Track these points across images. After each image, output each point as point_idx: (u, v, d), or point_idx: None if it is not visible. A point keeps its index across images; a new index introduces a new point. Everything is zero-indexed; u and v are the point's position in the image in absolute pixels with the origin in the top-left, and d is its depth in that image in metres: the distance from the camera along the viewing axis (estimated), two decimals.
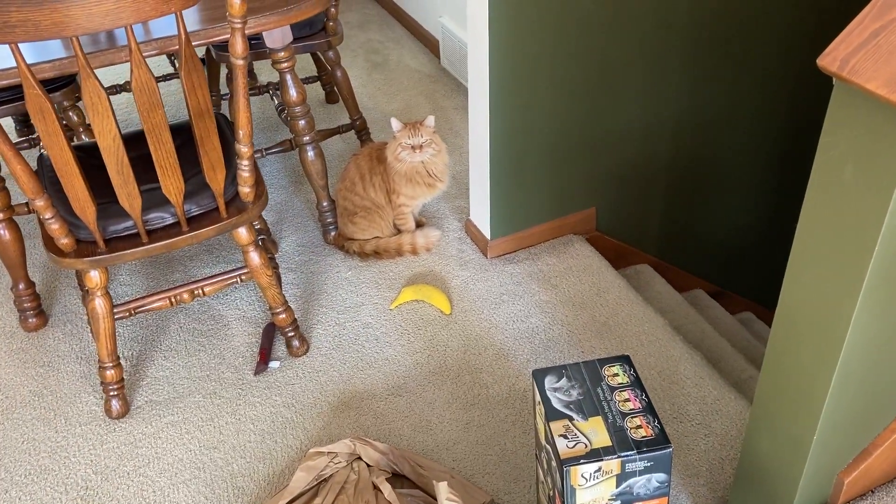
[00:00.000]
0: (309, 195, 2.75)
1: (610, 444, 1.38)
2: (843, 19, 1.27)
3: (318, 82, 3.25)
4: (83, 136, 2.41)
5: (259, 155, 2.58)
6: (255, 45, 2.45)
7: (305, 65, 3.45)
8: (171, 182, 1.74)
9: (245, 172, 1.82)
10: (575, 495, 1.40)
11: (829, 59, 1.08)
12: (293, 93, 2.27)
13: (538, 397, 1.48)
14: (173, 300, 2.00)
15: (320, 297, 2.35)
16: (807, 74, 2.55)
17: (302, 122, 2.33)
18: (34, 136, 2.78)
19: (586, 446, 1.38)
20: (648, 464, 1.38)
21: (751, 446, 1.55)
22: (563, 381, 1.49)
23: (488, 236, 2.42)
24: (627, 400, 1.45)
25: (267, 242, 2.46)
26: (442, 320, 2.25)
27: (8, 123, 3.03)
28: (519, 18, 2.05)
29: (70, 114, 2.39)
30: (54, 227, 1.73)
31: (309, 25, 2.56)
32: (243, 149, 1.78)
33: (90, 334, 2.26)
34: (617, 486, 1.41)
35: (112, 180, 1.69)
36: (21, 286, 2.23)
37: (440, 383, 2.07)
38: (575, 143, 2.34)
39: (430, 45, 3.61)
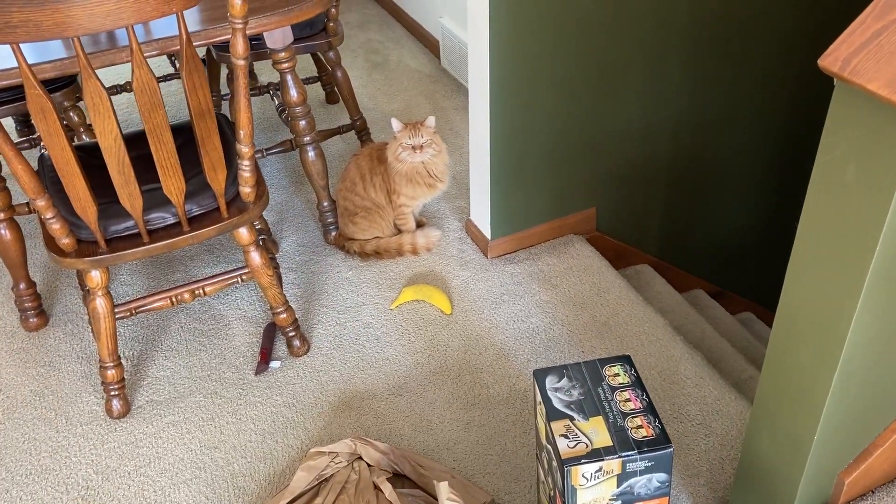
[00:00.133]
0: (309, 195, 2.75)
1: (611, 443, 1.38)
2: (844, 20, 1.27)
3: (319, 83, 3.25)
4: (84, 136, 2.42)
5: (260, 155, 2.58)
6: (256, 46, 2.45)
7: (306, 65, 3.45)
8: (173, 182, 1.74)
9: (246, 172, 1.82)
10: (576, 495, 1.41)
11: (831, 60, 1.08)
12: (294, 93, 2.27)
13: (539, 397, 1.48)
14: (174, 300, 2.00)
15: (321, 297, 2.35)
16: (807, 74, 2.55)
17: (302, 123, 2.33)
18: (35, 136, 2.78)
19: (587, 446, 1.38)
20: (649, 464, 1.38)
21: (751, 446, 1.55)
22: (564, 381, 1.49)
23: (489, 236, 2.42)
24: (628, 400, 1.45)
25: (268, 242, 2.46)
26: (442, 320, 2.25)
27: (8, 123, 3.03)
28: (519, 18, 2.05)
29: (71, 114, 2.39)
30: (55, 226, 1.73)
31: (309, 26, 2.56)
32: (244, 149, 1.78)
33: (91, 334, 2.26)
34: (618, 486, 1.41)
35: (113, 180, 1.69)
36: (22, 286, 2.23)
37: (441, 383, 2.07)
38: (575, 144, 2.34)
39: (430, 45, 3.61)
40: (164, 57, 3.35)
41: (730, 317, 2.74)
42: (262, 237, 2.44)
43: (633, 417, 1.42)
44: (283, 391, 2.07)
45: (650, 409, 1.44)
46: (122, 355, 2.18)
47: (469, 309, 2.28)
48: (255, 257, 1.99)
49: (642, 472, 1.40)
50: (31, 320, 2.27)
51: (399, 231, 2.49)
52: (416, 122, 2.33)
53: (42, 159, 1.98)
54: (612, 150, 2.41)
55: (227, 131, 2.00)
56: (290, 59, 2.21)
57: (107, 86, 2.16)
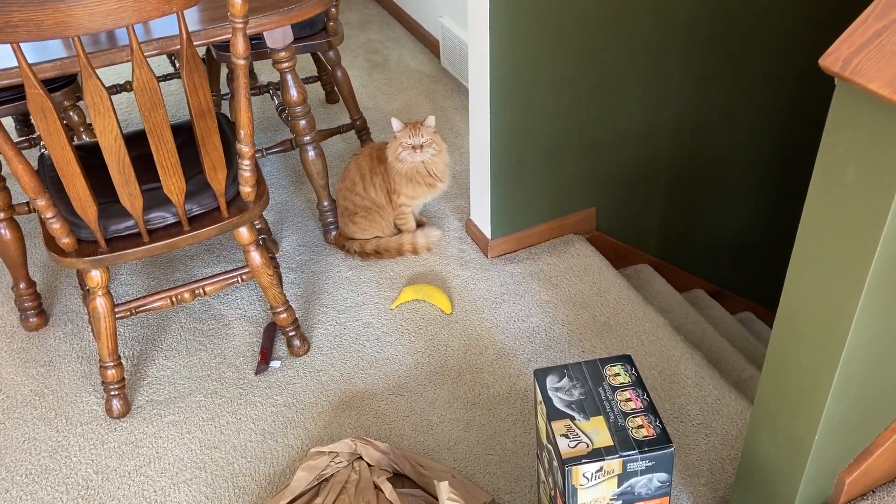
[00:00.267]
0: (309, 195, 2.75)
1: (611, 443, 1.38)
2: (844, 20, 1.27)
3: (319, 82, 3.25)
4: (83, 136, 2.41)
5: (260, 155, 2.58)
6: (256, 45, 2.45)
7: (306, 65, 3.45)
8: (173, 181, 1.74)
9: (246, 172, 1.82)
10: (576, 495, 1.41)
11: (832, 60, 1.08)
12: (294, 93, 2.27)
13: (539, 397, 1.48)
14: (174, 300, 2.00)
15: (321, 297, 2.35)
16: (807, 74, 2.55)
17: (302, 122, 2.33)
18: (35, 135, 2.78)
19: (588, 446, 1.38)
20: (650, 463, 1.38)
21: (752, 446, 1.55)
22: (565, 381, 1.49)
23: (489, 236, 2.42)
24: (629, 399, 1.45)
25: (268, 242, 2.46)
26: (443, 320, 2.25)
27: (8, 123, 3.03)
28: (519, 18, 2.05)
29: (71, 113, 2.39)
30: (55, 226, 1.73)
31: (309, 25, 2.56)
32: (244, 148, 1.78)
33: (91, 334, 2.26)
34: (618, 486, 1.41)
35: (113, 180, 1.69)
36: (22, 286, 2.23)
37: (441, 383, 2.07)
38: (575, 143, 2.34)
39: (430, 45, 3.61)
40: (164, 56, 3.35)
41: (730, 316, 2.74)
42: (263, 237, 2.44)
43: (633, 417, 1.42)
44: (284, 391, 2.07)
45: (651, 409, 1.44)
46: (122, 355, 2.18)
47: (469, 309, 2.28)
48: (256, 257, 1.99)
49: (643, 472, 1.40)
50: (30, 320, 2.27)
51: (399, 231, 2.49)
52: (416, 121, 2.33)
53: (42, 159, 1.98)
54: (613, 149, 2.41)
55: (228, 131, 2.00)
56: (290, 59, 2.21)
57: (107, 85, 2.16)
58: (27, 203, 2.32)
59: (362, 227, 2.44)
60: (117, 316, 1.94)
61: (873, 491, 1.61)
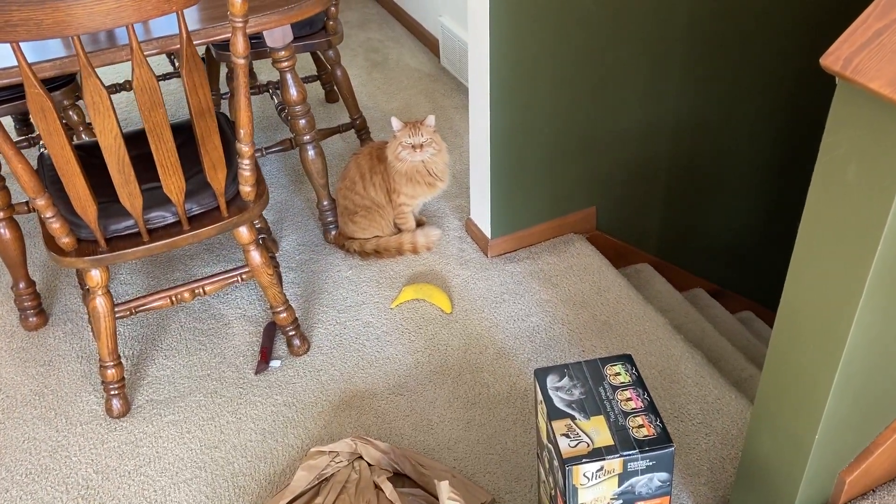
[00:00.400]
0: (309, 194, 2.75)
1: (612, 443, 1.38)
2: (844, 19, 1.27)
3: (318, 81, 3.25)
4: (83, 135, 2.41)
5: (259, 154, 2.57)
6: (256, 45, 2.45)
7: (305, 64, 3.45)
8: (173, 181, 1.74)
9: (246, 171, 1.82)
10: (577, 494, 1.40)
11: (833, 59, 1.07)
12: (293, 92, 2.27)
13: (540, 396, 1.48)
14: (174, 299, 1.99)
15: (321, 296, 2.35)
16: (807, 74, 2.55)
17: (302, 122, 2.33)
18: (34, 134, 2.78)
19: (588, 445, 1.38)
20: (650, 463, 1.38)
21: (752, 446, 1.55)
22: (565, 381, 1.49)
23: (489, 235, 2.42)
24: (629, 399, 1.45)
25: (267, 241, 2.46)
26: (443, 319, 2.25)
27: (7, 122, 3.02)
28: (519, 18, 2.05)
29: (70, 113, 2.38)
30: (55, 226, 1.72)
31: (309, 24, 2.56)
32: (244, 148, 1.78)
33: (91, 333, 2.26)
34: (619, 486, 1.41)
35: (113, 179, 1.68)
36: (21, 285, 2.23)
37: (441, 382, 2.07)
38: (575, 143, 2.34)
39: (429, 44, 3.61)
40: (164, 55, 3.34)
41: (730, 316, 2.74)
42: (262, 236, 2.44)
43: (634, 416, 1.42)
44: (284, 390, 2.07)
45: (651, 409, 1.43)
46: (121, 354, 2.18)
47: (469, 308, 2.28)
48: (255, 256, 1.99)
49: (644, 472, 1.40)
50: (30, 319, 2.27)
51: (399, 230, 2.49)
52: (416, 120, 2.33)
53: (42, 158, 1.98)
54: (613, 149, 2.41)
55: (227, 130, 2.00)
56: (289, 58, 2.21)
57: (106, 84, 2.16)
58: (27, 202, 2.32)
59: (362, 227, 2.44)
60: (117, 315, 1.94)
61: (874, 490, 1.61)
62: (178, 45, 1.59)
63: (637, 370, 1.51)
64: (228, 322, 2.28)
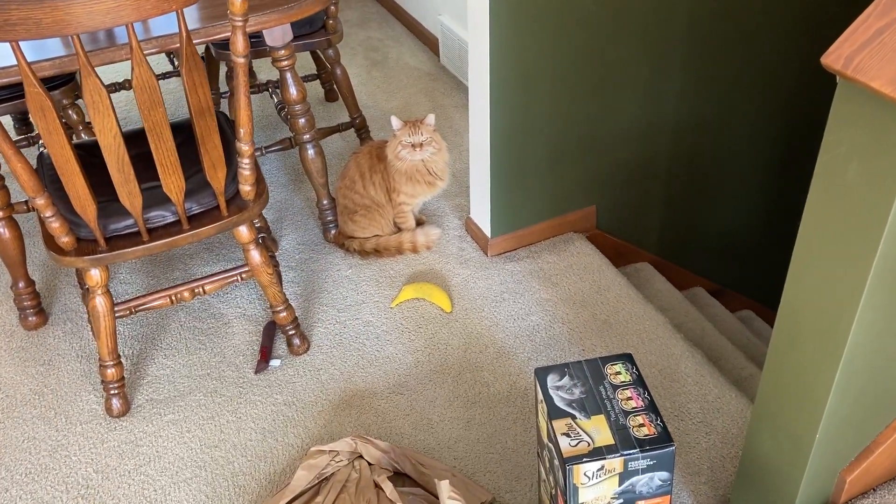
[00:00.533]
0: (309, 193, 2.74)
1: (613, 442, 1.38)
2: (844, 18, 1.27)
3: (318, 80, 3.25)
4: (83, 135, 2.41)
5: (259, 153, 2.57)
6: (255, 43, 2.45)
7: (305, 63, 3.45)
8: (172, 180, 1.74)
9: (246, 171, 1.82)
10: (577, 494, 1.40)
11: (834, 58, 1.07)
12: (293, 91, 2.27)
13: (540, 395, 1.48)
14: (174, 298, 1.99)
15: (321, 296, 2.34)
16: (807, 73, 2.55)
17: (302, 121, 2.32)
18: (33, 134, 2.77)
19: (589, 445, 1.38)
20: (651, 462, 1.38)
21: (753, 444, 1.55)
22: (566, 380, 1.49)
23: (489, 234, 2.42)
24: (630, 398, 1.45)
25: (267, 240, 2.46)
26: (442, 318, 2.25)
27: (7, 121, 3.02)
28: (519, 17, 2.04)
29: (70, 112, 2.38)
30: (55, 225, 1.72)
31: (309, 23, 2.56)
32: (244, 147, 1.78)
33: (90, 332, 2.25)
34: (620, 485, 1.41)
35: (113, 178, 1.68)
36: (21, 284, 2.23)
37: (441, 381, 2.07)
38: (575, 142, 2.34)
39: (429, 43, 3.60)
40: (163, 54, 3.34)
41: (730, 315, 2.74)
42: (262, 235, 2.43)
43: (634, 416, 1.42)
44: (284, 390, 2.07)
45: (652, 408, 1.43)
46: (121, 354, 2.18)
47: (469, 307, 2.28)
48: (255, 255, 1.99)
49: (644, 471, 1.40)
50: (30, 319, 2.27)
51: (399, 229, 2.49)
52: (416, 119, 2.33)
53: (41, 157, 1.97)
54: (613, 148, 2.41)
55: (227, 129, 2.00)
56: (289, 57, 2.21)
57: (106, 83, 2.16)
58: (26, 202, 2.32)
59: (362, 226, 2.44)
60: (117, 315, 1.94)
61: (874, 489, 1.61)
62: (178, 44, 1.59)
63: (637, 369, 1.51)
64: (228, 321, 2.28)
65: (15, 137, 2.87)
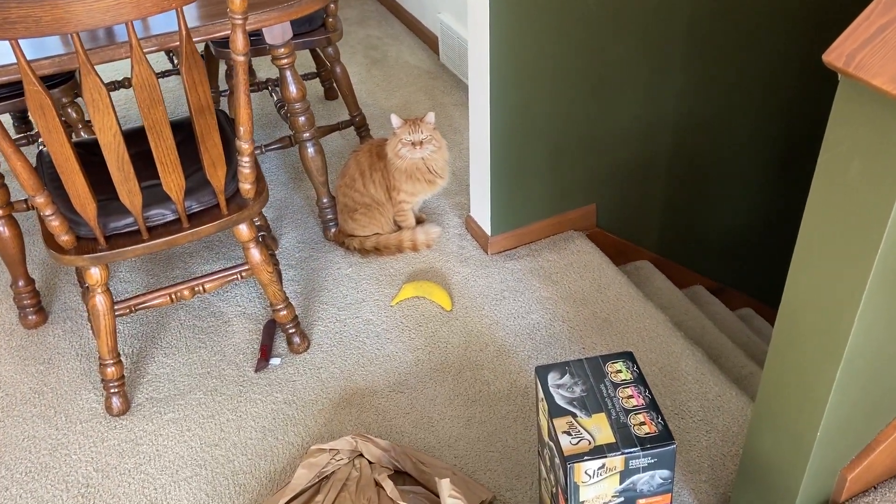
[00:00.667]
0: (309, 192, 2.74)
1: (613, 440, 1.38)
2: (845, 17, 1.27)
3: (318, 79, 3.24)
4: (82, 133, 2.41)
5: (259, 151, 2.57)
6: (255, 42, 2.45)
7: (304, 61, 3.44)
8: (172, 178, 1.73)
9: (246, 169, 1.82)
10: (578, 492, 1.40)
11: (835, 55, 1.07)
12: (293, 89, 2.26)
13: (541, 394, 1.48)
14: (174, 297, 1.99)
15: (321, 294, 2.34)
16: (808, 72, 2.54)
17: (301, 119, 2.32)
18: (33, 132, 2.77)
19: (590, 443, 1.38)
20: (652, 460, 1.38)
21: (753, 443, 1.55)
22: (567, 378, 1.49)
23: (489, 233, 2.42)
24: (631, 396, 1.45)
25: (267, 239, 2.46)
26: (443, 317, 2.25)
27: (6, 120, 3.02)
28: (520, 15, 2.04)
29: (69, 110, 2.38)
30: (54, 223, 1.72)
31: (308, 22, 2.55)
32: (244, 145, 1.78)
33: (90, 331, 2.25)
34: (620, 483, 1.41)
35: (112, 177, 1.68)
36: (21, 283, 2.23)
37: (441, 380, 2.07)
38: (575, 140, 2.34)
39: (429, 41, 3.60)
40: (163, 52, 3.34)
41: (730, 313, 2.74)
42: (262, 234, 2.43)
43: (635, 414, 1.42)
44: (284, 388, 2.07)
45: (653, 406, 1.43)
46: (121, 352, 2.18)
47: (469, 305, 2.28)
48: (255, 254, 1.98)
49: (645, 469, 1.39)
50: (29, 317, 2.27)
51: (399, 227, 2.49)
52: (416, 118, 2.33)
53: (41, 156, 1.97)
54: (613, 146, 2.40)
55: (227, 128, 1.99)
56: (289, 55, 2.21)
57: (106, 82, 2.16)
58: (26, 200, 2.31)
59: (362, 224, 2.44)
60: (117, 313, 1.94)
61: (875, 487, 1.61)
62: (178, 43, 1.59)
63: (638, 367, 1.51)
64: (228, 320, 2.27)
65: (14, 136, 2.87)
